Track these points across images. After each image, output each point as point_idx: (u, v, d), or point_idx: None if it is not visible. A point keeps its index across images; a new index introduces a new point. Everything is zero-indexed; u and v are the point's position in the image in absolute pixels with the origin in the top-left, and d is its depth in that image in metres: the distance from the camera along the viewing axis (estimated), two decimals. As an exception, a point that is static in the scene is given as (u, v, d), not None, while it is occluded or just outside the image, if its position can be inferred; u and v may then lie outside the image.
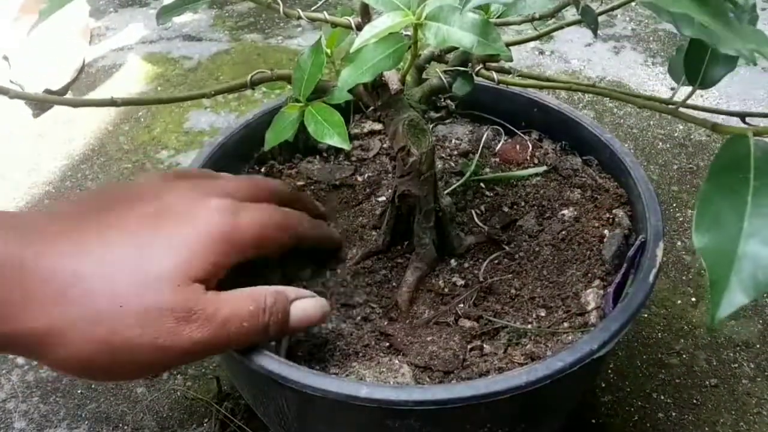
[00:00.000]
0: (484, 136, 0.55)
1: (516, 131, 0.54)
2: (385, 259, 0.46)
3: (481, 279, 0.44)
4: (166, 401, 0.54)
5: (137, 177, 0.41)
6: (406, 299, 0.43)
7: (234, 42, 1.01)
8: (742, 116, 0.36)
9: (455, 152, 0.53)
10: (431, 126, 0.56)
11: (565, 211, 0.47)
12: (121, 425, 0.53)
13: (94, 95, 0.91)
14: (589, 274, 0.43)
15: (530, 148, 0.53)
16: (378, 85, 0.39)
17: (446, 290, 0.44)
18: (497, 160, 0.53)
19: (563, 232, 0.46)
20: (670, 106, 0.35)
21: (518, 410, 0.37)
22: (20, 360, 0.58)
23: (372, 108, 0.41)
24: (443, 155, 0.53)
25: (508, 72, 0.42)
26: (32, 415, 0.54)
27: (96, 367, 0.31)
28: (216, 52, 0.98)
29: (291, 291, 0.36)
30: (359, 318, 0.42)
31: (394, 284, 0.44)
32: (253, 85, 0.42)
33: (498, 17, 0.41)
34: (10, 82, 0.93)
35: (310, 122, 0.38)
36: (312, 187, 0.51)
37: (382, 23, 0.32)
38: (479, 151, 0.53)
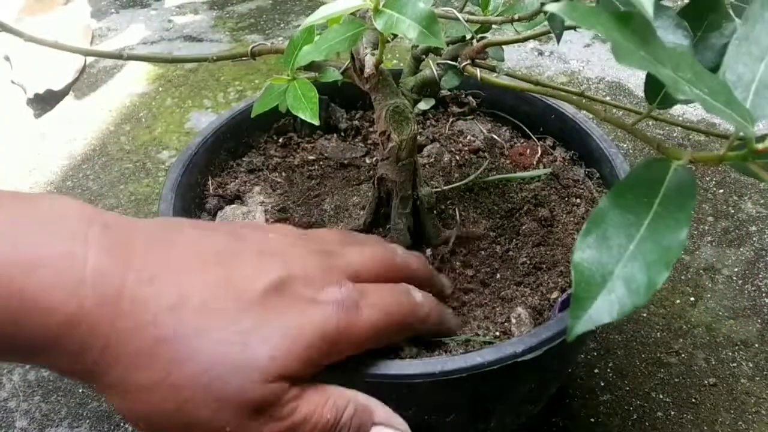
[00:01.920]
0: (499, 136, 0.55)
1: (531, 135, 0.55)
2: None
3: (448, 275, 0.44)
4: (168, 400, 0.55)
5: (272, 230, 0.37)
6: None
7: (235, 43, 1.01)
8: (706, 133, 0.36)
9: (466, 148, 0.54)
10: (452, 120, 0.57)
11: (552, 220, 0.48)
12: (122, 424, 0.53)
13: (95, 95, 0.91)
14: (553, 283, 0.43)
15: (539, 153, 0.53)
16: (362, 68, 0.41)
17: None
18: (506, 161, 0.53)
19: (545, 240, 0.46)
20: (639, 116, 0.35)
21: (440, 398, 0.37)
22: (22, 359, 0.58)
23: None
24: (453, 149, 0.54)
25: (492, 70, 0.42)
26: (34, 414, 0.54)
27: (156, 427, 0.30)
28: (217, 52, 0.98)
29: (379, 411, 0.33)
30: None
31: None
32: (254, 55, 0.44)
33: (498, 15, 0.41)
34: (11, 82, 0.94)
35: (290, 95, 0.40)
36: (321, 163, 0.53)
37: (339, 5, 0.34)
38: (491, 152, 0.53)
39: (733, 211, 0.70)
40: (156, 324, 0.28)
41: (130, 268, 0.29)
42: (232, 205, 0.49)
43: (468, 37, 0.42)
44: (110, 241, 0.29)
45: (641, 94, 0.85)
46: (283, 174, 0.52)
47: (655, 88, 0.32)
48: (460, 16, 0.41)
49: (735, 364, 0.56)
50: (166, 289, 0.29)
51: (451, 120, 0.58)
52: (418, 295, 0.36)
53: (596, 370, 0.56)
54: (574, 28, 0.34)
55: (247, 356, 0.29)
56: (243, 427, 0.29)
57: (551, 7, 0.24)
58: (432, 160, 0.53)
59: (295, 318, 0.30)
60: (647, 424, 0.52)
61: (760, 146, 0.23)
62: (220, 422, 0.29)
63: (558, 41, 0.34)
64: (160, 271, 0.29)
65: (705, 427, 0.51)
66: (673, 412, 0.53)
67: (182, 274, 0.30)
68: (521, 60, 0.95)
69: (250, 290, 0.30)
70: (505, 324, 0.40)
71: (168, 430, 0.29)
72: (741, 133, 0.23)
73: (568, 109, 0.53)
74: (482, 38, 0.41)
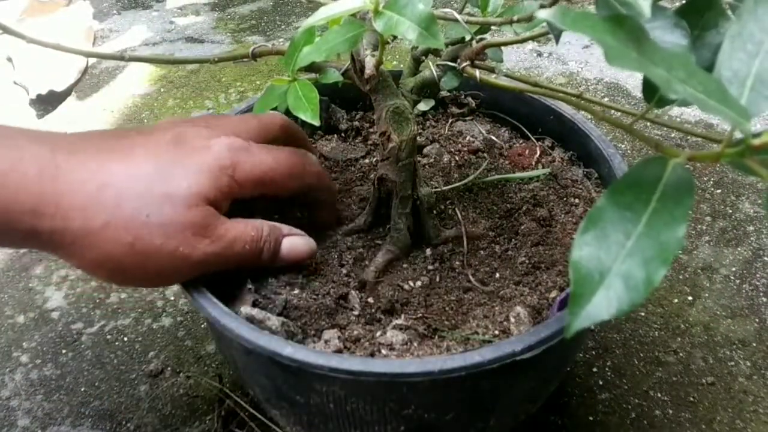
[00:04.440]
0: (498, 137, 0.56)
1: (530, 136, 0.55)
2: (365, 239, 0.47)
3: (442, 276, 0.44)
4: (169, 399, 0.55)
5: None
6: (372, 279, 0.44)
7: (236, 44, 1.02)
8: (702, 137, 0.36)
9: (466, 149, 0.54)
10: (451, 121, 0.57)
11: (551, 220, 0.48)
12: (123, 422, 0.53)
13: (97, 96, 0.92)
14: (553, 282, 0.44)
15: (538, 153, 0.53)
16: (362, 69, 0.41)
17: (409, 284, 0.44)
18: (505, 161, 0.53)
19: (544, 239, 0.46)
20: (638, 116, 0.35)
21: (439, 397, 0.37)
22: (24, 358, 0.59)
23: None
24: (453, 150, 0.54)
25: (491, 71, 0.43)
26: (36, 413, 0.54)
27: (121, 269, 0.36)
28: (218, 54, 0.98)
29: (285, 227, 0.41)
30: (323, 291, 0.43)
31: (367, 263, 0.45)
32: (255, 57, 0.44)
33: (498, 16, 0.42)
34: (14, 83, 0.94)
35: (291, 96, 0.41)
36: (321, 163, 0.53)
37: (339, 7, 0.34)
38: (490, 152, 0.53)
39: (730, 211, 0.70)
40: (94, 177, 0.35)
41: (58, 147, 0.35)
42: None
43: (467, 38, 0.42)
44: (36, 135, 0.37)
45: (639, 94, 0.85)
46: None
47: (651, 88, 0.32)
48: (459, 17, 0.41)
49: (733, 363, 0.56)
50: (92, 155, 0.36)
51: (450, 121, 0.58)
52: (295, 151, 0.43)
53: (595, 369, 0.56)
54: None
55: (170, 188, 0.36)
56: (191, 247, 0.36)
57: (542, 14, 0.25)
58: (432, 160, 0.53)
59: (196, 158, 0.37)
60: (645, 422, 0.52)
61: (756, 142, 0.23)
62: (173, 245, 0.35)
63: (557, 42, 0.35)
64: (85, 144, 0.37)
65: (703, 426, 0.52)
66: (671, 411, 0.53)
67: (103, 143, 0.38)
68: (520, 61, 0.95)
69: (157, 146, 0.38)
70: (504, 323, 0.41)
71: (127, 268, 0.36)
72: (737, 131, 0.24)
73: (567, 109, 0.53)
74: (481, 39, 0.42)
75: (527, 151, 0.54)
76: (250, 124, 0.43)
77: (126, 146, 0.37)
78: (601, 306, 0.24)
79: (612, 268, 0.25)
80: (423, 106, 0.58)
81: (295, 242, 0.42)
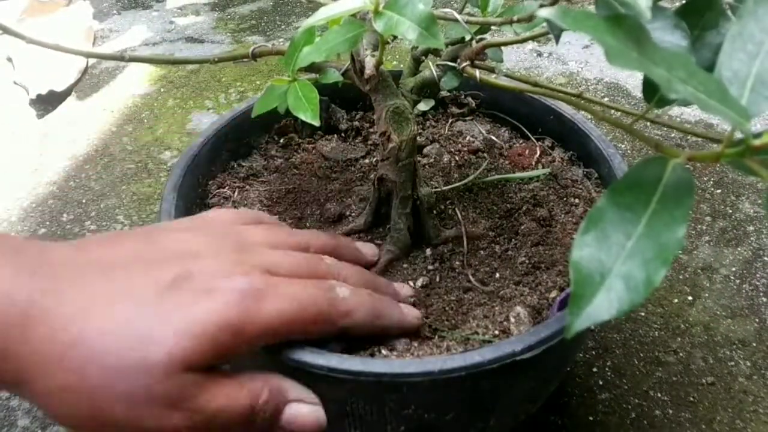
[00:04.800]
0: (498, 137, 0.56)
1: (530, 136, 0.55)
2: (365, 239, 0.47)
3: (443, 276, 0.44)
4: (169, 399, 0.55)
5: (193, 227, 0.38)
6: None
7: (236, 44, 1.02)
8: (702, 136, 0.36)
9: (466, 149, 0.54)
10: (451, 121, 0.57)
11: (551, 220, 0.48)
12: (124, 422, 0.53)
13: (97, 96, 0.92)
14: (553, 282, 0.44)
15: (538, 153, 0.53)
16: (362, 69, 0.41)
17: (409, 284, 0.44)
18: (505, 161, 0.53)
19: (544, 239, 0.46)
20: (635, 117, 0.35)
21: (439, 397, 0.37)
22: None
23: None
24: (453, 150, 0.54)
25: (491, 71, 0.43)
26: (35, 413, 0.54)
27: (83, 429, 0.31)
28: (218, 54, 0.99)
29: (293, 390, 0.34)
30: None
31: None
32: (255, 57, 0.44)
33: (498, 16, 0.42)
34: (14, 83, 0.94)
35: (291, 96, 0.40)
36: (321, 163, 0.53)
37: (339, 7, 0.34)
38: (490, 152, 0.53)
39: (730, 211, 0.70)
40: (64, 330, 0.30)
41: (36, 286, 0.30)
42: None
43: (467, 38, 0.42)
44: (19, 262, 0.31)
45: (639, 94, 0.85)
46: (284, 174, 0.52)
47: (652, 88, 0.32)
48: (459, 17, 0.41)
49: (733, 363, 0.56)
50: (71, 299, 0.31)
51: (450, 121, 0.58)
52: (343, 290, 0.36)
53: (595, 369, 0.56)
54: (573, 28, 0.34)
55: (147, 354, 0.30)
56: (162, 420, 0.30)
57: (543, 13, 0.25)
58: (432, 160, 0.53)
59: (192, 310, 0.31)
60: (645, 422, 0.52)
61: (757, 143, 0.23)
62: (136, 417, 0.30)
63: (557, 42, 0.35)
64: (65, 286, 0.31)
65: (703, 426, 0.52)
66: (671, 411, 0.53)
67: (86, 285, 0.32)
68: (520, 61, 0.95)
69: (147, 292, 0.32)
70: (504, 323, 0.41)
71: (95, 429, 0.31)
72: (737, 131, 0.24)
73: (567, 109, 0.53)
74: (481, 39, 0.42)
75: (527, 151, 0.54)
76: (301, 257, 0.37)
77: (113, 286, 0.32)
78: (602, 306, 0.24)
79: (612, 269, 0.25)
80: (423, 106, 0.58)
81: (300, 414, 0.34)
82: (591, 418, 0.53)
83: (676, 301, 0.61)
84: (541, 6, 0.36)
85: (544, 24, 0.37)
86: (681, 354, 0.57)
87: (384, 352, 0.38)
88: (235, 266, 0.34)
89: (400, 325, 0.39)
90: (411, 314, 0.40)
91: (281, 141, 0.56)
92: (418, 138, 0.46)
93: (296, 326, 0.33)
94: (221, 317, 0.31)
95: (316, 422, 0.35)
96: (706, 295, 0.62)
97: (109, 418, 0.30)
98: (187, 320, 0.31)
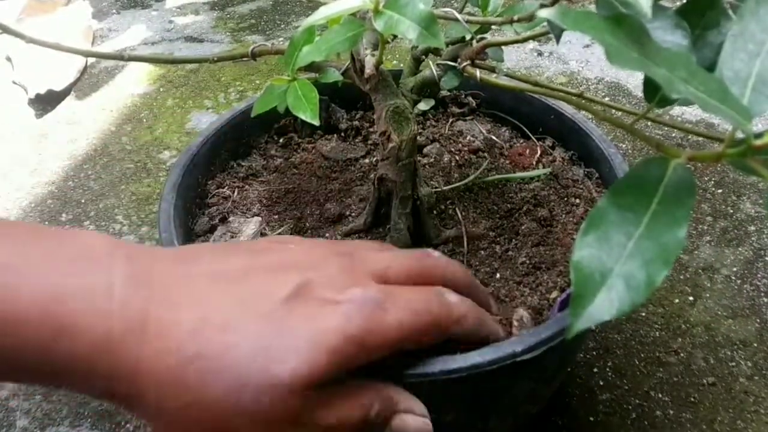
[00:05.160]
0: (499, 137, 0.55)
1: (531, 136, 0.55)
2: (365, 239, 0.47)
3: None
4: (168, 399, 0.55)
5: (291, 241, 0.37)
6: None
7: (235, 43, 1.02)
8: (704, 135, 0.36)
9: (466, 149, 0.54)
10: (452, 120, 0.57)
11: (551, 220, 0.48)
12: (123, 423, 0.53)
13: (96, 95, 0.91)
14: (554, 282, 0.43)
15: (539, 153, 0.53)
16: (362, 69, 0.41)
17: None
18: (505, 161, 0.53)
19: (544, 239, 0.46)
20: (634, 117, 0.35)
21: (439, 398, 0.37)
22: (23, 358, 0.58)
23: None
24: (453, 149, 0.54)
25: (492, 71, 0.42)
26: (35, 413, 0.54)
27: None
28: (218, 53, 0.98)
29: (403, 400, 0.34)
30: None
31: None
32: (254, 56, 0.44)
33: (498, 16, 0.42)
34: (12, 83, 0.94)
35: (291, 96, 0.40)
36: (321, 163, 0.53)
37: (339, 6, 0.34)
38: (490, 152, 0.53)
39: (731, 211, 0.70)
40: (180, 348, 0.29)
41: (152, 297, 0.30)
42: (232, 210, 0.49)
43: (468, 37, 0.42)
44: (133, 272, 0.30)
45: (640, 94, 0.85)
46: (284, 174, 0.52)
47: (653, 88, 0.32)
48: (459, 16, 0.41)
49: (734, 364, 0.56)
50: (187, 314, 0.30)
51: (450, 120, 0.58)
52: (453, 296, 0.35)
53: (595, 370, 0.56)
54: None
55: (270, 370, 0.29)
56: None
57: (543, 13, 0.24)
58: (432, 160, 0.53)
59: (316, 323, 0.30)
60: (646, 423, 0.52)
61: (758, 142, 0.23)
62: None
63: (557, 42, 0.34)
64: (181, 298, 0.30)
65: (704, 426, 0.52)
66: (672, 411, 0.53)
67: (202, 297, 0.31)
68: (521, 61, 0.95)
69: (269, 303, 0.31)
70: (503, 323, 0.41)
71: None
72: (739, 131, 0.24)
73: (568, 109, 0.53)
74: (482, 39, 0.42)
75: (528, 151, 0.54)
76: (406, 263, 0.36)
77: (231, 301, 0.31)
78: (603, 307, 0.24)
79: (613, 269, 0.25)
80: (423, 106, 0.58)
81: (407, 424, 0.33)
82: (592, 419, 0.52)
83: (677, 301, 0.61)
84: (542, 6, 0.36)
85: (545, 23, 0.37)
86: (682, 354, 0.57)
87: None
88: (349, 276, 0.33)
89: (497, 336, 0.38)
90: (500, 326, 0.39)
91: (281, 141, 0.56)
92: (418, 138, 0.46)
93: (414, 335, 0.33)
94: (345, 331, 0.30)
95: (421, 427, 0.34)
96: (707, 295, 0.61)
97: None
98: (311, 335, 0.30)
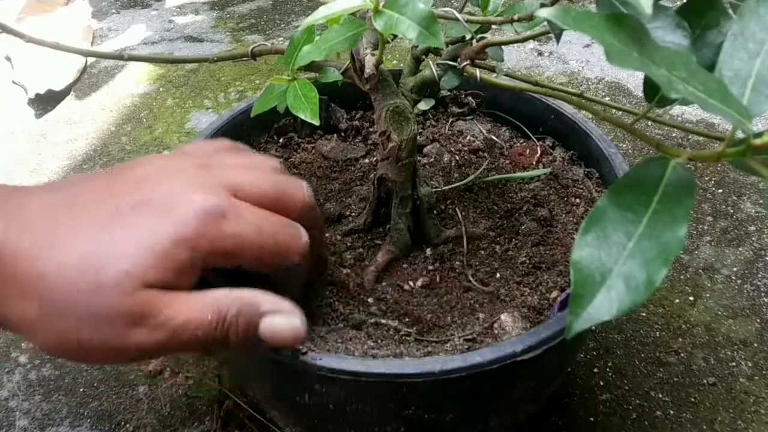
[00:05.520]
0: (499, 137, 0.55)
1: (531, 135, 0.55)
2: (365, 239, 0.47)
3: (444, 275, 0.44)
4: (168, 400, 0.55)
5: (162, 156, 0.39)
6: (372, 278, 0.43)
7: (235, 43, 1.02)
8: (704, 135, 0.36)
9: (466, 148, 0.54)
10: (452, 120, 0.57)
11: (551, 219, 0.48)
12: (122, 423, 0.53)
13: (96, 95, 0.91)
14: (554, 282, 0.43)
15: (539, 153, 0.53)
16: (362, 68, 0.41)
17: (409, 284, 0.44)
18: (506, 161, 0.53)
19: (544, 239, 0.46)
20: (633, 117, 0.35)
21: (439, 398, 0.37)
22: (23, 359, 0.58)
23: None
24: (453, 149, 0.54)
25: (492, 70, 0.42)
26: (34, 414, 0.54)
27: (66, 355, 0.33)
28: (217, 53, 0.98)
29: (266, 302, 0.34)
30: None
31: (366, 263, 0.45)
32: (254, 56, 0.44)
33: (498, 15, 0.42)
34: (12, 82, 0.94)
35: (291, 96, 0.40)
36: (321, 163, 0.53)
37: (339, 5, 0.34)
38: (491, 152, 0.53)
39: (732, 211, 0.70)
40: (29, 266, 0.31)
41: (4, 224, 0.32)
42: None
43: (468, 37, 0.42)
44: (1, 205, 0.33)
45: (641, 94, 0.85)
46: None
47: (653, 88, 0.32)
48: (459, 16, 0.41)
49: (734, 364, 0.56)
50: (38, 235, 0.32)
51: (450, 120, 0.58)
52: (303, 231, 0.36)
53: (596, 370, 0.56)
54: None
55: (104, 275, 0.31)
56: (126, 339, 0.31)
57: (543, 13, 0.24)
58: (432, 160, 0.53)
59: (151, 228, 0.32)
60: (646, 423, 0.52)
61: (758, 142, 0.23)
62: (102, 338, 0.31)
63: (557, 42, 0.34)
64: (35, 223, 0.33)
65: (704, 426, 0.52)
66: (672, 412, 0.53)
67: (55, 220, 0.33)
68: (521, 60, 0.95)
69: (109, 217, 0.33)
70: (486, 328, 0.41)
71: (69, 353, 0.32)
72: (739, 130, 0.24)
73: (568, 109, 0.53)
74: (482, 38, 0.42)
75: (528, 151, 0.54)
76: (261, 189, 0.36)
77: (78, 217, 0.33)
78: (602, 307, 0.24)
79: (613, 269, 0.25)
80: (423, 106, 0.58)
81: (277, 325, 0.33)
82: (592, 419, 0.52)
83: (677, 301, 0.61)
84: (542, 5, 0.36)
85: (545, 23, 0.37)
86: (682, 354, 0.57)
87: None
88: (198, 185, 0.34)
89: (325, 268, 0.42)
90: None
91: (281, 140, 0.56)
92: (418, 137, 0.46)
93: (253, 253, 0.33)
94: (177, 233, 0.32)
95: (294, 335, 0.34)
96: (708, 295, 0.61)
97: (76, 342, 0.31)
98: (141, 239, 0.31)
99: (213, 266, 0.33)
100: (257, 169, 0.37)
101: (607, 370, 0.56)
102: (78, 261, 0.32)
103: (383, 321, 0.41)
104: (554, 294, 0.42)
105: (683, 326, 0.59)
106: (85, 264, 0.31)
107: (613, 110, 0.40)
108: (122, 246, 0.31)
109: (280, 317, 0.34)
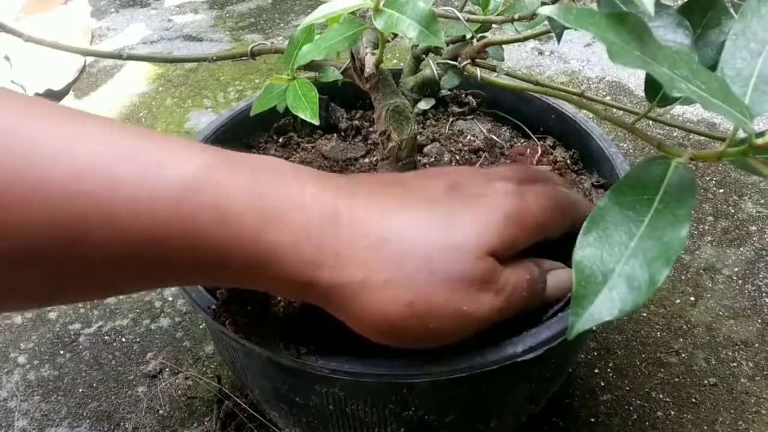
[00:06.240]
0: (499, 136, 0.55)
1: (531, 135, 0.55)
2: None
3: None
4: (167, 400, 0.55)
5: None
6: None
7: (235, 42, 1.02)
8: (706, 135, 0.36)
9: (467, 148, 0.54)
10: (452, 120, 0.57)
11: None
12: (122, 424, 0.53)
13: (95, 95, 0.91)
14: None
15: (539, 153, 0.53)
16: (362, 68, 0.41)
17: None
18: (506, 161, 0.53)
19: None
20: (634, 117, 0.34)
21: (440, 398, 0.37)
22: (21, 359, 0.58)
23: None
24: (453, 149, 0.54)
25: (492, 69, 0.42)
26: (34, 414, 0.54)
27: (396, 329, 0.32)
28: (217, 52, 0.98)
29: (545, 261, 0.37)
30: None
31: None
32: (254, 55, 0.44)
33: (499, 14, 0.41)
34: (11, 82, 0.94)
35: (290, 95, 0.40)
36: (321, 163, 0.53)
37: (339, 4, 0.34)
38: (490, 150, 0.53)
39: (733, 211, 0.70)
40: (371, 232, 0.32)
41: (338, 194, 0.33)
42: None
43: (468, 36, 0.42)
44: (321, 182, 0.34)
45: (642, 93, 0.85)
46: None
47: (654, 87, 0.32)
48: (460, 15, 0.41)
49: (735, 364, 0.56)
50: (371, 204, 0.33)
51: (451, 120, 0.58)
52: (563, 189, 0.40)
53: (596, 370, 0.56)
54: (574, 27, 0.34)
55: (457, 238, 0.32)
56: (476, 303, 0.32)
57: (545, 11, 0.24)
58: (432, 159, 0.53)
59: (477, 206, 0.34)
60: (647, 423, 0.52)
61: (759, 141, 0.23)
62: (457, 303, 0.32)
63: (558, 41, 0.34)
64: (364, 195, 0.34)
65: (705, 427, 0.51)
66: (673, 412, 0.52)
67: (382, 194, 0.35)
68: (521, 60, 0.95)
69: (432, 194, 0.35)
70: None
71: (403, 328, 0.32)
72: (740, 130, 0.23)
73: (568, 108, 0.53)
74: (482, 38, 0.41)
75: (528, 151, 0.54)
76: (518, 168, 0.40)
77: (401, 194, 0.35)
78: (604, 307, 0.24)
79: (615, 269, 0.25)
80: (423, 105, 0.58)
81: (559, 277, 0.37)
82: (593, 420, 0.52)
83: (678, 301, 0.61)
84: (543, 4, 0.36)
85: (546, 22, 0.37)
86: (683, 355, 0.56)
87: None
88: (488, 177, 0.37)
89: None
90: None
91: (280, 140, 0.56)
92: (418, 137, 0.46)
93: (553, 220, 0.36)
94: (505, 211, 0.34)
95: (570, 279, 0.34)
96: (709, 295, 0.61)
97: (429, 304, 0.31)
98: (478, 212, 0.34)
99: (529, 242, 0.35)
100: (508, 166, 0.42)
101: (608, 370, 0.55)
102: (426, 224, 0.33)
103: None
104: None
105: (684, 326, 0.59)
106: (432, 229, 0.33)
107: (614, 110, 0.40)
108: (461, 218, 0.33)
109: (561, 271, 0.37)
